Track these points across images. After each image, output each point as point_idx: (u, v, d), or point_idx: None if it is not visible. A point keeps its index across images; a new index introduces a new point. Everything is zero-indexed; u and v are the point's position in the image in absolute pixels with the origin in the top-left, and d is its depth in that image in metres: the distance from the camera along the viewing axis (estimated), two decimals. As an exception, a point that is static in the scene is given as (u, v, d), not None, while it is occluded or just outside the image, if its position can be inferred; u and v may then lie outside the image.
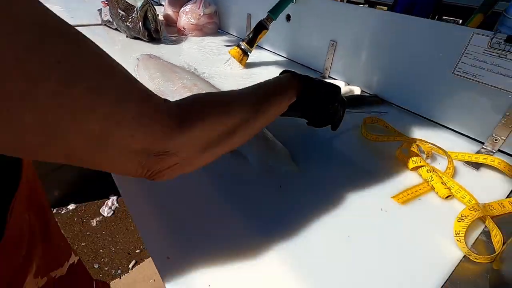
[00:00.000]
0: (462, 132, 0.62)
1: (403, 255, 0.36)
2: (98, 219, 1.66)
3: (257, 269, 0.33)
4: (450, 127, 0.64)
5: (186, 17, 1.14)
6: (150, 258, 1.44)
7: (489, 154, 0.54)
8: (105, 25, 1.19)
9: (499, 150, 0.57)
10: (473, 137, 0.61)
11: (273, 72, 0.90)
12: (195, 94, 0.31)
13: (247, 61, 0.89)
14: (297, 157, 0.51)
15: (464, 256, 0.36)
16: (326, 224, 0.39)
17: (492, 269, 0.33)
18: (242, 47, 0.86)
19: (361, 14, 0.73)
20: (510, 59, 0.52)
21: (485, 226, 0.40)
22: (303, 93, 0.43)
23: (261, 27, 0.85)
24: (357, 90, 0.77)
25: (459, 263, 0.36)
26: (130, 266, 1.40)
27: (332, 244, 0.36)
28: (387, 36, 0.69)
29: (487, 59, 0.55)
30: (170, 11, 1.27)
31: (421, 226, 0.40)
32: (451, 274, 0.34)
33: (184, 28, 1.17)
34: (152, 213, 0.40)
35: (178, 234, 0.37)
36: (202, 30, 1.18)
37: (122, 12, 1.03)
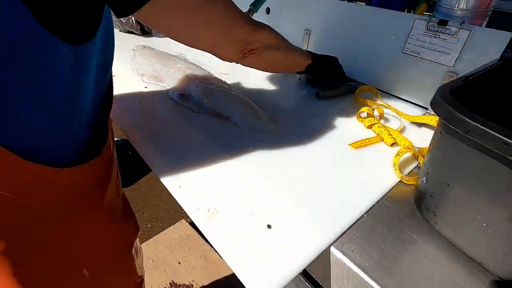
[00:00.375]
0: (411, 101, 0.76)
1: (355, 182, 0.48)
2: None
3: (249, 188, 0.45)
4: (402, 97, 0.77)
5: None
6: (147, 242, 1.53)
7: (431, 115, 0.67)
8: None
9: (439, 113, 0.70)
10: (419, 104, 0.74)
11: (256, 59, 1.01)
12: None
13: (233, 49, 1.00)
14: (276, 120, 0.62)
15: (400, 181, 0.49)
16: (300, 162, 0.51)
17: (415, 187, 0.46)
18: (228, 37, 0.97)
19: (329, 5, 0.85)
20: (443, 39, 0.65)
21: (418, 163, 0.53)
22: (317, 58, 0.70)
23: (244, 19, 0.96)
24: (328, 72, 0.89)
25: (395, 185, 0.48)
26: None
27: (304, 175, 0.48)
28: (351, 24, 0.81)
29: (426, 39, 0.68)
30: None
31: (370, 163, 0.53)
32: (388, 191, 0.47)
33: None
34: (165, 156, 0.51)
35: (188, 166, 0.48)
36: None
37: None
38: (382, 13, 0.74)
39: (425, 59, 0.69)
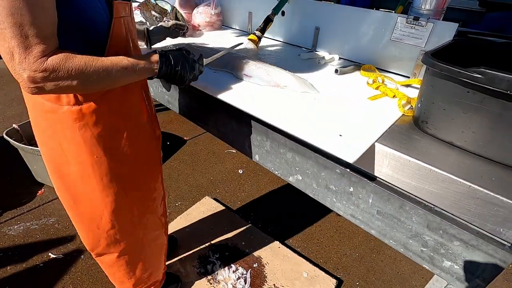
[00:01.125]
0: (398, 73, 1.10)
1: (378, 115, 0.80)
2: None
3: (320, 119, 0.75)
4: (392, 71, 1.11)
5: (200, 16, 1.50)
6: (181, 215, 1.75)
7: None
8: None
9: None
10: (404, 74, 1.08)
11: (276, 51, 1.31)
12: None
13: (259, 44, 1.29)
14: (316, 87, 0.93)
15: (402, 114, 0.81)
16: (342, 108, 0.82)
17: (412, 115, 0.78)
18: (257, 34, 1.26)
19: (334, 9, 1.18)
20: (417, 29, 0.99)
21: (410, 105, 0.86)
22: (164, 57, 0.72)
23: (268, 20, 1.26)
24: (336, 57, 1.22)
25: (399, 117, 0.81)
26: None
27: (347, 114, 0.79)
28: (351, 22, 1.14)
29: (406, 30, 1.02)
30: (182, 12, 1.60)
31: (382, 107, 0.85)
32: (396, 120, 0.79)
33: (199, 25, 1.52)
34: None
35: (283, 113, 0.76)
36: (213, 26, 1.54)
37: (157, 14, 1.35)
38: (376, 14, 1.07)
39: (406, 43, 1.03)
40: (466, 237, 0.61)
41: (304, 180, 0.90)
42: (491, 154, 0.64)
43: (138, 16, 1.47)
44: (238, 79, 0.96)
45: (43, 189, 1.90)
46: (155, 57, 0.71)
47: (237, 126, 1.00)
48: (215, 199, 1.90)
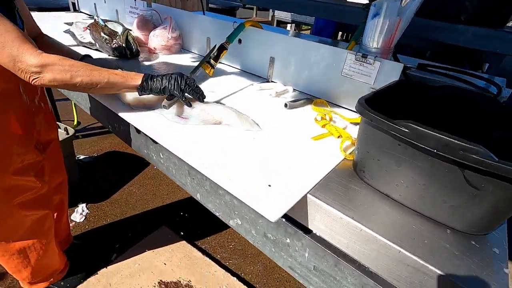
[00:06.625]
0: (348, 108, 1.07)
1: (317, 159, 0.75)
2: (71, 225, 1.75)
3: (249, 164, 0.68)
4: (343, 105, 1.08)
5: (157, 39, 1.44)
6: (132, 247, 1.62)
7: (361, 117, 0.98)
8: (84, 46, 1.41)
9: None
10: (354, 110, 1.06)
11: (231, 79, 1.26)
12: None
13: (214, 72, 1.24)
14: (259, 123, 0.87)
15: (344, 158, 0.77)
16: (280, 148, 0.76)
17: (353, 160, 0.74)
18: (210, 62, 1.20)
19: (287, 40, 1.15)
20: (365, 66, 0.97)
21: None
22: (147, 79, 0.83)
23: (222, 48, 1.21)
24: (290, 89, 1.18)
25: (341, 161, 0.76)
26: (112, 258, 1.57)
27: (282, 156, 0.73)
28: (304, 54, 1.11)
29: (356, 66, 1.00)
30: (139, 34, 1.54)
31: (325, 149, 0.80)
32: (337, 164, 0.74)
33: (155, 48, 1.46)
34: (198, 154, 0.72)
35: (211, 153, 0.69)
36: (170, 50, 1.48)
37: (106, 36, 1.28)
38: (326, 49, 1.05)
39: (356, 80, 1.01)
40: (399, 306, 0.55)
41: (243, 225, 0.82)
42: (425, 211, 0.59)
43: (88, 37, 1.38)
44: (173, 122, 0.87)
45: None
46: (140, 75, 0.83)
47: (179, 161, 0.93)
48: (171, 227, 1.78)
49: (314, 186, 0.65)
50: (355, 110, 1.05)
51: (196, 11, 2.81)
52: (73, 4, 2.50)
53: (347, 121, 0.97)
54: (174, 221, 1.86)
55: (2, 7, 0.75)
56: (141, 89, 0.83)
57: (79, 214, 1.84)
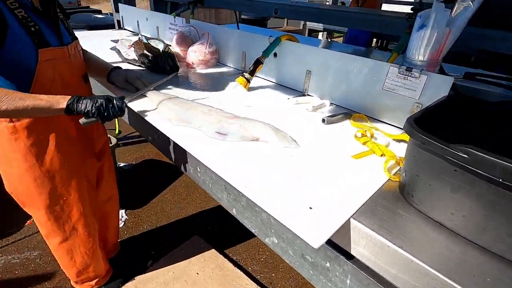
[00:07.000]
0: (392, 123, 1.02)
1: (359, 180, 0.71)
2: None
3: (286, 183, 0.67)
4: (385, 121, 1.03)
5: (195, 54, 1.49)
6: (168, 255, 1.67)
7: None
8: (128, 62, 1.51)
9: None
10: (398, 126, 1.00)
11: (266, 93, 1.27)
12: None
13: (249, 86, 1.25)
14: (297, 140, 0.86)
15: (389, 179, 0.73)
16: (319, 167, 0.74)
17: (399, 182, 0.69)
18: (246, 76, 1.22)
19: (325, 53, 1.13)
20: (410, 80, 0.92)
21: (400, 167, 0.78)
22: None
23: (258, 63, 1.22)
24: (327, 103, 1.15)
25: (386, 182, 0.72)
26: (148, 264, 1.62)
27: (322, 176, 0.71)
28: (342, 67, 1.09)
29: (399, 80, 0.95)
30: (178, 50, 1.61)
31: (367, 168, 0.76)
32: (381, 186, 0.70)
33: (193, 63, 1.51)
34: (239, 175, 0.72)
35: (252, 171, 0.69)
36: (207, 64, 1.53)
37: (148, 53, 1.35)
38: (366, 62, 1.01)
39: (399, 94, 0.96)
40: None
41: (280, 245, 0.80)
42: (486, 244, 0.54)
43: (132, 54, 1.47)
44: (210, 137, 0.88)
45: (32, 220, 1.87)
46: (66, 98, 0.84)
47: (216, 176, 0.94)
48: (204, 238, 1.80)
49: (358, 209, 0.62)
50: (397, 126, 1.00)
51: (229, 24, 2.88)
52: (118, 22, 2.69)
53: (390, 137, 0.92)
54: (206, 230, 1.89)
55: (45, 22, 0.86)
56: (68, 111, 0.83)
57: (119, 220, 1.93)
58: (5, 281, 1.51)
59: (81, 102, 0.84)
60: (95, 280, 1.36)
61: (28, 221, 1.86)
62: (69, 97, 0.84)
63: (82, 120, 0.87)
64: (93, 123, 0.87)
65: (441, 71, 1.06)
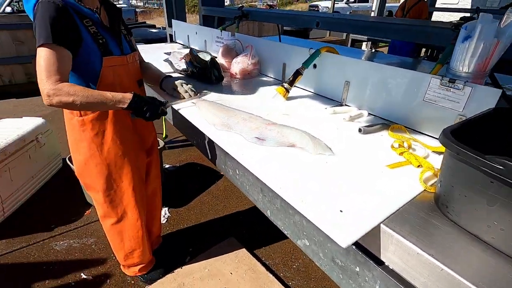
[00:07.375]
0: (431, 135, 1.00)
1: (393, 189, 0.72)
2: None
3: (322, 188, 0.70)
4: (425, 132, 1.01)
5: (238, 65, 1.60)
6: (203, 253, 1.77)
7: (446, 146, 0.90)
8: (179, 73, 1.67)
9: (454, 145, 0.94)
10: (436, 137, 0.98)
11: (305, 102, 1.31)
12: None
13: (288, 95, 1.31)
14: (332, 147, 0.89)
15: (424, 190, 0.72)
16: (354, 175, 0.76)
17: (435, 193, 0.69)
18: (285, 86, 1.28)
19: (364, 65, 1.15)
20: (453, 92, 0.91)
21: (437, 178, 0.77)
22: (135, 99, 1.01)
23: (297, 74, 1.28)
24: (365, 113, 1.16)
25: (421, 192, 0.72)
26: (186, 260, 1.73)
27: (357, 184, 0.73)
28: (381, 78, 1.09)
29: (441, 91, 0.94)
30: (223, 61, 1.74)
31: (402, 178, 0.77)
32: (416, 196, 0.70)
33: (236, 73, 1.62)
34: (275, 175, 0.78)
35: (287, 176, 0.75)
36: (250, 74, 1.63)
37: (197, 64, 1.49)
38: (406, 73, 1.02)
39: (441, 105, 0.94)
40: None
41: (311, 247, 0.84)
42: (526, 260, 0.52)
43: (182, 65, 1.63)
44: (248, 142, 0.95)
45: (90, 210, 2.11)
46: (129, 95, 1.00)
47: (253, 178, 1.00)
48: (239, 239, 1.87)
49: (389, 216, 0.64)
50: (438, 138, 0.98)
51: (272, 36, 2.97)
52: (171, 35, 2.96)
53: (429, 149, 0.90)
54: (241, 233, 1.95)
55: (110, 35, 1.06)
56: (129, 105, 0.99)
57: (162, 216, 2.10)
58: (67, 261, 1.73)
59: (141, 100, 1.02)
60: (139, 267, 1.50)
61: (87, 211, 2.10)
62: (132, 94, 1.01)
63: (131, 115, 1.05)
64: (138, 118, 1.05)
65: (494, 82, 1.02)
